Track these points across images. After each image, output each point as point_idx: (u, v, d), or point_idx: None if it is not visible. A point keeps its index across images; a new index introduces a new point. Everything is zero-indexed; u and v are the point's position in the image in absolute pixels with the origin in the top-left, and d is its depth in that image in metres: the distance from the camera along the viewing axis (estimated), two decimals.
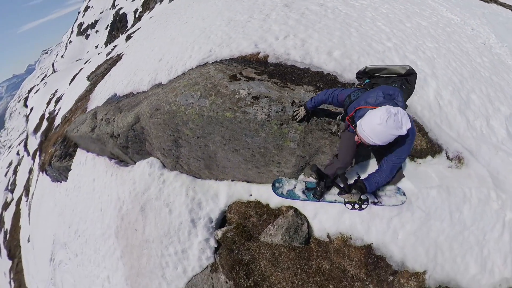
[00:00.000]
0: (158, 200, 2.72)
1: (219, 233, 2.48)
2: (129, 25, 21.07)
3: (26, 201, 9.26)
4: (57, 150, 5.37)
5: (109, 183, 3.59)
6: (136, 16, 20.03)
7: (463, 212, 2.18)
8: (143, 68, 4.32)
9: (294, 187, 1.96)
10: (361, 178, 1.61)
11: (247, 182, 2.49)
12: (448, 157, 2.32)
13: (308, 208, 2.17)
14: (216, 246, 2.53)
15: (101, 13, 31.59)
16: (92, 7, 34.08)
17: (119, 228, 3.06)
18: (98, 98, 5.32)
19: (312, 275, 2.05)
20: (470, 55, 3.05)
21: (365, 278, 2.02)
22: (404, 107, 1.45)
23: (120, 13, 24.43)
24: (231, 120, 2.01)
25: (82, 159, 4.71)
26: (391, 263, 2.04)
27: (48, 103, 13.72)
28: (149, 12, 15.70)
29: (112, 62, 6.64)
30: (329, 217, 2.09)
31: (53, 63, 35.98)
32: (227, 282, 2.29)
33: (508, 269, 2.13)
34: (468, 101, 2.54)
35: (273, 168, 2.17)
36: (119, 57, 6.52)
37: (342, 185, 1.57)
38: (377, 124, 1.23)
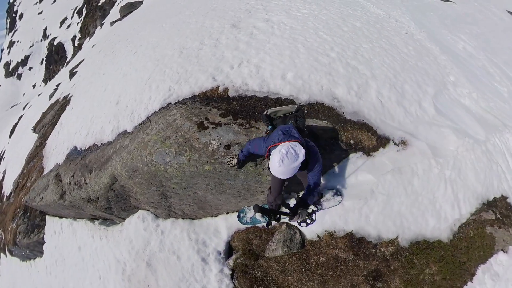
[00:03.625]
0: (162, 251, 3.32)
1: (230, 262, 3.23)
2: (69, 55, 19.95)
3: None
4: (20, 225, 5.24)
5: (100, 248, 3.95)
6: (76, 45, 19.15)
7: (414, 184, 3.24)
8: (100, 114, 4.57)
9: (255, 213, 2.70)
10: (299, 197, 2.24)
11: None
12: (395, 144, 3.35)
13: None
14: (231, 272, 3.29)
15: (31, 46, 29.39)
16: (18, 41, 31.46)
17: None
18: (54, 154, 5.28)
19: (314, 269, 2.96)
20: (398, 47, 4.07)
21: (354, 257, 2.99)
22: (302, 134, 2.27)
23: (55, 43, 23.23)
24: (211, 171, 2.65)
25: (56, 228, 4.74)
26: (371, 240, 3.03)
27: None
28: (89, 39, 15.02)
29: (60, 107, 6.48)
30: None
31: None
32: None
33: (456, 212, 3.20)
34: (403, 92, 3.56)
35: (259, 196, 2.93)
36: (67, 100, 6.40)
37: (287, 211, 2.13)
38: (278, 168, 1.85)
